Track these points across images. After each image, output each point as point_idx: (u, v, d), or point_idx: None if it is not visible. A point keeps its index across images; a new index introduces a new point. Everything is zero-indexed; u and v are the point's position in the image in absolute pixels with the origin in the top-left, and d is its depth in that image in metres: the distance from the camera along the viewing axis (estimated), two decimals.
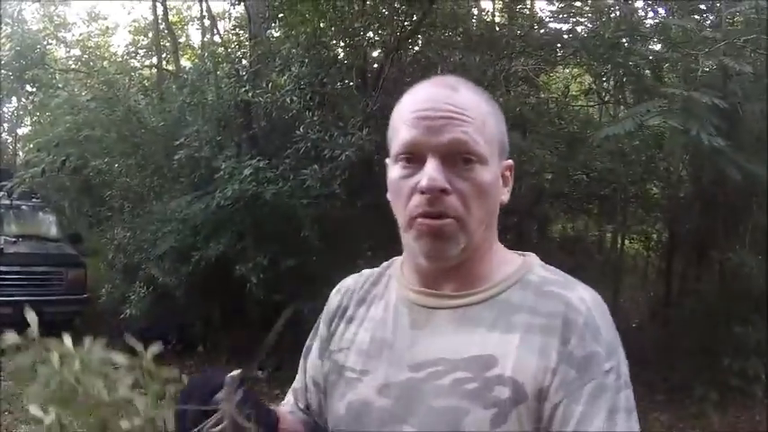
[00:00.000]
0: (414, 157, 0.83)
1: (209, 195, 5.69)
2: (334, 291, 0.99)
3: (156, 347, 0.73)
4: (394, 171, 0.86)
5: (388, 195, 0.89)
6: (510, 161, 0.91)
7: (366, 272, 0.99)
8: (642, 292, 8.01)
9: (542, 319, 0.81)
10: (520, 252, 0.93)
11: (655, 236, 7.63)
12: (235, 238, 5.77)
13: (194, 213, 5.76)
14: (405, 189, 0.83)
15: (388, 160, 0.89)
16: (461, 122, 0.82)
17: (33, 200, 8.51)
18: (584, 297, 0.82)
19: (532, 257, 0.91)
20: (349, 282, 1.00)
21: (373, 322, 0.91)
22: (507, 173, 0.90)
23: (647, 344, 6.45)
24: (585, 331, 0.79)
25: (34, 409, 0.62)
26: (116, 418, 0.66)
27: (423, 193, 0.81)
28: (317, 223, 5.53)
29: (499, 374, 0.78)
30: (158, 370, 0.72)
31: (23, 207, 8.37)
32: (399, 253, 0.96)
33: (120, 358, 0.70)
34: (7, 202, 7.68)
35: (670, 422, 4.99)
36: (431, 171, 0.80)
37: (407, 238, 0.85)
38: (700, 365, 5.33)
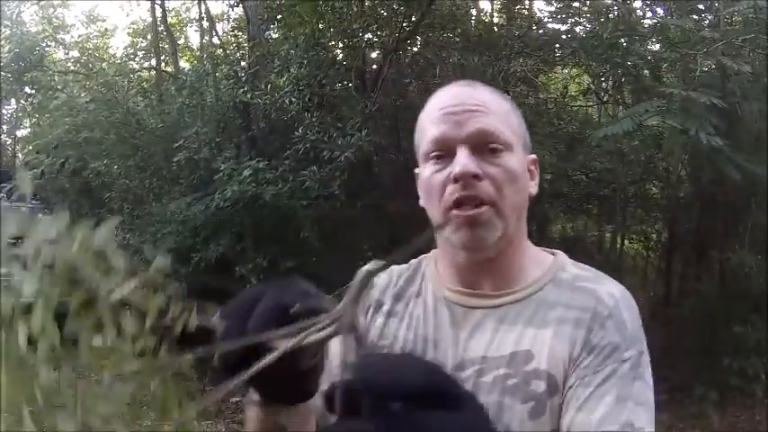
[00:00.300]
0: (444, 153, 0.86)
1: (208, 197, 5.69)
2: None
3: (163, 261, 0.63)
4: (425, 170, 0.89)
5: (421, 200, 0.91)
6: (534, 155, 0.94)
7: (396, 268, 0.99)
8: (642, 292, 7.98)
9: (575, 312, 0.83)
10: (549, 250, 0.95)
11: (654, 236, 7.62)
12: (234, 240, 5.77)
13: (194, 215, 5.76)
14: (437, 183, 0.86)
15: (417, 170, 0.92)
16: (485, 114, 0.86)
17: (33, 202, 8.51)
18: (612, 291, 0.86)
19: (562, 256, 0.94)
20: (380, 278, 0.99)
21: (414, 320, 0.92)
22: (533, 167, 0.93)
23: (647, 344, 6.45)
24: (609, 322, 0.82)
25: (16, 271, 0.50)
26: (113, 316, 0.53)
27: (456, 181, 0.83)
28: (317, 224, 5.53)
29: (535, 368, 0.81)
30: (164, 281, 0.62)
31: (23, 209, 8.36)
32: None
33: (119, 261, 0.59)
34: (7, 203, 7.68)
35: (670, 422, 4.98)
36: (462, 159, 0.83)
37: (444, 234, 0.87)
38: (700, 365, 5.33)
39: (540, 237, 7.83)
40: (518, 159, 0.87)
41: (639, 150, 6.26)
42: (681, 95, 4.06)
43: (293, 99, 5.74)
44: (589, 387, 0.78)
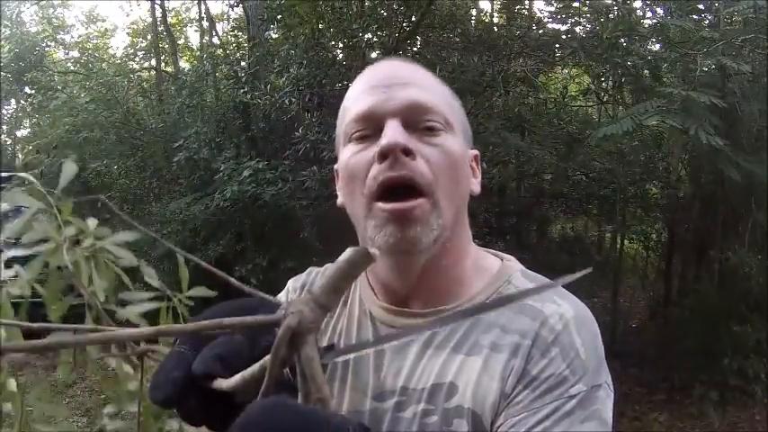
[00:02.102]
0: (369, 132, 0.70)
1: (208, 197, 5.70)
2: (290, 289, 0.88)
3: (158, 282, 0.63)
4: (345, 153, 0.73)
5: (339, 197, 0.77)
6: (476, 151, 0.79)
7: (315, 270, 0.88)
8: (642, 292, 8.00)
9: (513, 337, 0.69)
10: (498, 254, 0.81)
11: (654, 236, 7.63)
12: (234, 240, 5.78)
13: (194, 215, 5.77)
14: (360, 165, 0.70)
15: (336, 165, 0.77)
16: (419, 87, 0.71)
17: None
18: (563, 312, 0.69)
19: (513, 263, 0.79)
20: (302, 280, 0.88)
21: (336, 335, 0.79)
22: (474, 164, 0.78)
23: (647, 344, 6.46)
24: (554, 349, 0.67)
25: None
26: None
27: (383, 157, 0.67)
28: (317, 224, 5.53)
29: (458, 405, 0.68)
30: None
31: (22, 209, 8.38)
32: None
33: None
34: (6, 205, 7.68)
35: (670, 422, 4.99)
36: (391, 131, 0.67)
37: (367, 231, 0.70)
38: (700, 365, 5.33)
39: (540, 237, 7.84)
40: (459, 143, 0.72)
41: (639, 150, 6.26)
42: (681, 95, 4.06)
43: (293, 99, 5.74)
44: (519, 429, 0.63)
